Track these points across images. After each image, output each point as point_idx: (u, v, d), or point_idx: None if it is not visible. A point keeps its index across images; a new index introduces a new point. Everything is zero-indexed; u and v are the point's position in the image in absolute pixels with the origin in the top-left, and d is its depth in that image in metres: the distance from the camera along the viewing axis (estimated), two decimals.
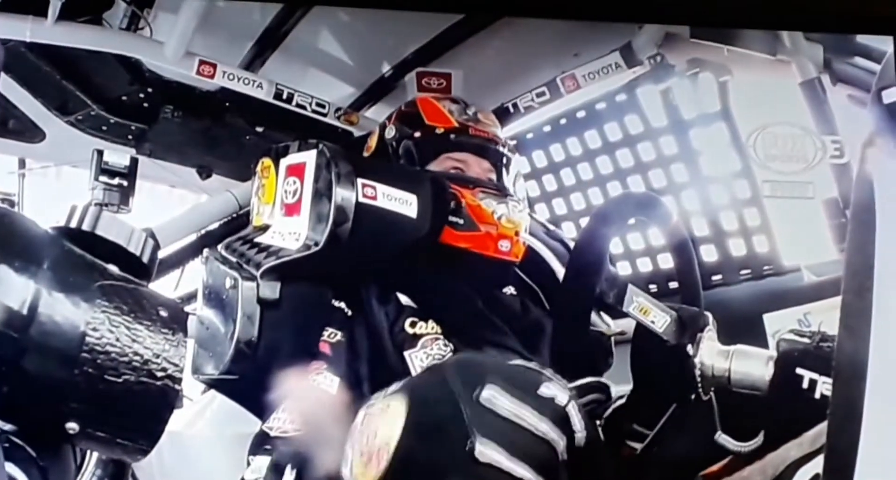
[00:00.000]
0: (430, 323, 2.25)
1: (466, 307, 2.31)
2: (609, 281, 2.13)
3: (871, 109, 2.40)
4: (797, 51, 2.71)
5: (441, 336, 2.24)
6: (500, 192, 2.46)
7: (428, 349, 2.20)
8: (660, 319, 2.08)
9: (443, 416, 1.57)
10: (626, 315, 2.16)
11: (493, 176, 2.51)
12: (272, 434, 2.01)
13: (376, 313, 2.23)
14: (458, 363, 1.70)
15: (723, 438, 2.08)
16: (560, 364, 1.92)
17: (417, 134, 2.51)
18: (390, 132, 2.56)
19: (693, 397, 2.11)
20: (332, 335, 2.17)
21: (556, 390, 1.61)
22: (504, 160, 2.54)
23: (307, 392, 2.07)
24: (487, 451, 1.51)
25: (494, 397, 1.55)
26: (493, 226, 2.37)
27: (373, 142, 2.61)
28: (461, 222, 2.35)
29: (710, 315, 2.22)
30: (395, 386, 1.70)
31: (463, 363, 1.71)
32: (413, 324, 2.24)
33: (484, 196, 2.40)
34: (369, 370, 2.16)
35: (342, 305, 2.23)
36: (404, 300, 2.28)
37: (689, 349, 2.09)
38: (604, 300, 2.19)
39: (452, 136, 2.49)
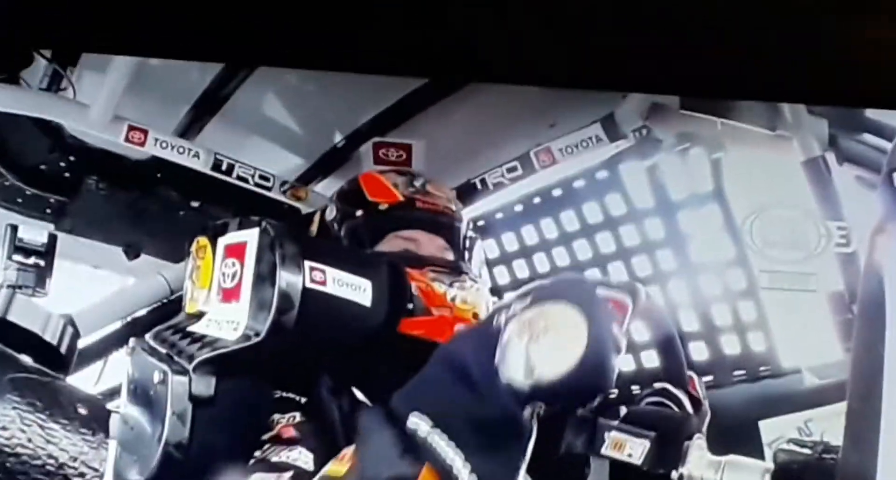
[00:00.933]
0: None
1: None
2: (575, 426, 2.11)
3: (882, 192, 2.43)
4: (799, 126, 2.74)
5: None
6: (453, 270, 2.45)
7: None
8: (637, 448, 2.09)
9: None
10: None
11: (449, 254, 2.51)
12: None
13: (328, 406, 2.20)
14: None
15: None
16: (533, 472, 1.93)
17: (360, 213, 2.51)
18: (331, 213, 2.57)
19: None
20: (290, 419, 2.16)
21: None
22: (460, 236, 2.56)
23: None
24: None
25: None
26: (447, 309, 2.34)
27: (314, 226, 2.61)
28: (411, 306, 2.32)
29: (707, 409, 2.25)
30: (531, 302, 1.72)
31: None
32: None
33: (435, 276, 2.39)
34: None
35: (290, 394, 2.22)
36: (359, 395, 2.26)
37: (674, 474, 2.11)
38: (572, 451, 2.17)
39: (398, 212, 2.50)
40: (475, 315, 2.36)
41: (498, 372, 1.64)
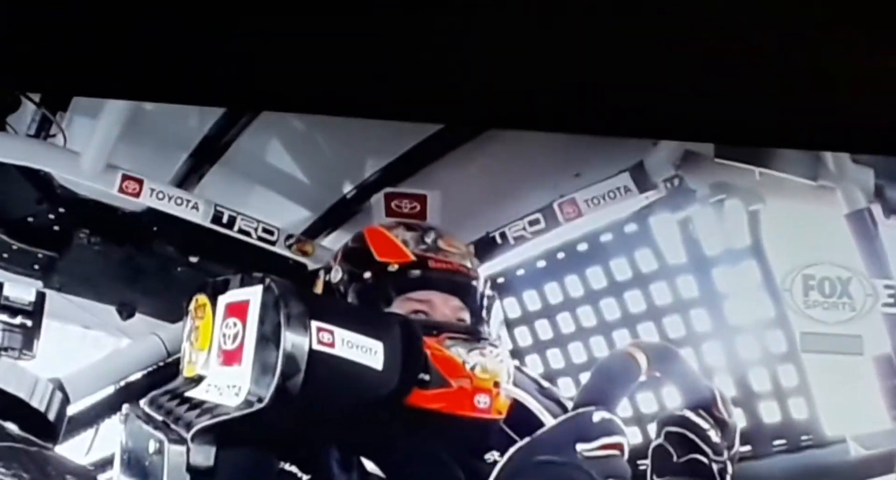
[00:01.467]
0: None
1: (443, 476, 2.28)
2: None
3: None
4: (843, 175, 2.73)
5: None
6: (471, 335, 2.41)
7: None
8: None
9: None
10: None
11: (466, 315, 2.48)
12: None
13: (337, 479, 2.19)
14: None
15: None
16: None
17: (367, 275, 2.47)
18: (336, 275, 2.52)
19: None
20: None
21: None
22: (477, 295, 2.52)
23: None
24: None
25: None
26: (466, 379, 2.31)
27: (318, 287, 2.58)
28: (427, 378, 2.30)
29: (734, 425, 2.34)
30: None
31: None
32: None
33: (452, 343, 2.35)
34: None
35: (293, 468, 2.19)
36: (370, 466, 2.24)
37: None
38: None
39: (410, 272, 2.46)
40: (496, 384, 2.34)
41: None
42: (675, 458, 2.28)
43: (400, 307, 2.43)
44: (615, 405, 2.01)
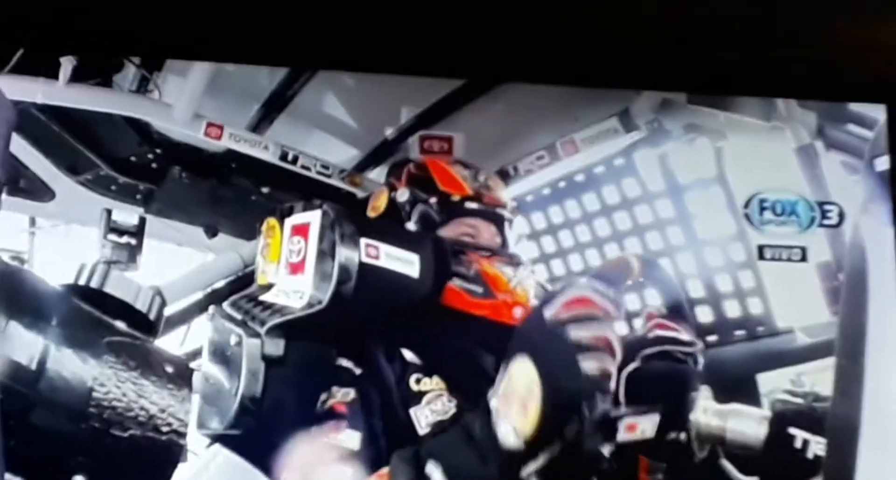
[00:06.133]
0: (435, 379, 2.25)
1: (471, 362, 2.30)
2: (592, 429, 2.07)
3: (864, 176, 2.42)
4: (791, 117, 2.73)
5: (445, 392, 2.24)
6: (512, 259, 2.50)
7: (432, 406, 2.21)
8: (649, 424, 2.09)
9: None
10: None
11: (499, 239, 2.55)
12: None
13: (384, 370, 2.23)
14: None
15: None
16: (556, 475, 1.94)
17: (433, 200, 2.53)
18: (403, 195, 2.56)
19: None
20: (345, 395, 2.18)
21: None
22: (509, 225, 2.58)
23: (328, 452, 2.09)
24: None
25: None
26: (508, 294, 2.39)
27: (381, 203, 2.60)
28: (480, 290, 2.37)
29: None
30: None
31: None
32: (418, 381, 2.24)
33: (500, 264, 2.44)
34: (383, 426, 2.16)
35: (349, 364, 2.23)
36: (409, 356, 2.27)
37: (682, 436, 2.12)
38: (593, 450, 2.11)
39: (468, 203, 2.53)
40: (528, 299, 2.42)
41: (497, 440, 1.80)
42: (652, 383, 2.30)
43: (452, 228, 2.51)
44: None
